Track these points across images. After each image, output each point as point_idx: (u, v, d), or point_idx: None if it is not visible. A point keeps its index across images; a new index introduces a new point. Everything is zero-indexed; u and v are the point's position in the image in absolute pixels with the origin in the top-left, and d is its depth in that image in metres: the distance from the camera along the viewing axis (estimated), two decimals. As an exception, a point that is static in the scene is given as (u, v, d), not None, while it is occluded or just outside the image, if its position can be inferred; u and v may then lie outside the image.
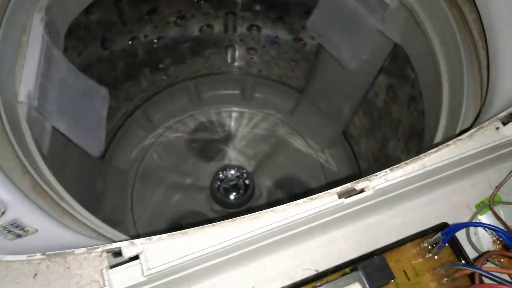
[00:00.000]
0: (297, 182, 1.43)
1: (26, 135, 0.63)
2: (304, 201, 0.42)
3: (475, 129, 0.44)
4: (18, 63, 0.68)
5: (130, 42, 1.19)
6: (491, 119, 0.45)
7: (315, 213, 0.42)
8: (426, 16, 0.79)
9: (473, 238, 0.47)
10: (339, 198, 0.42)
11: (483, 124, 0.44)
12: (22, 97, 0.63)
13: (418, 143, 0.98)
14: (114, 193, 1.29)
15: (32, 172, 0.54)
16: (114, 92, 1.25)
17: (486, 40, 0.66)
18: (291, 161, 1.45)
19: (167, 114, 1.48)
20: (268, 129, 1.52)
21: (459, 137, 0.43)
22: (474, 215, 0.48)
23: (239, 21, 1.30)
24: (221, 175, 1.36)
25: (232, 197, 1.35)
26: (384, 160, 1.22)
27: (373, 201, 0.44)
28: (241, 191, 1.35)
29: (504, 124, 0.45)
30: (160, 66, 1.36)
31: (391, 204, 0.47)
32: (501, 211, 0.48)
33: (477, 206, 0.49)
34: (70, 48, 0.98)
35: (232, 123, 1.51)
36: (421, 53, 0.83)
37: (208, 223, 0.42)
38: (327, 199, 0.42)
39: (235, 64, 1.47)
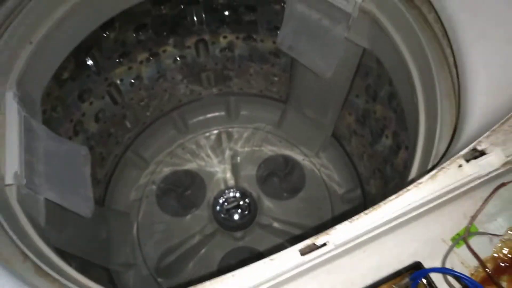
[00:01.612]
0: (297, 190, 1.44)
1: (19, 216, 0.63)
2: (264, 263, 0.43)
3: (436, 170, 0.44)
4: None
5: (107, 89, 1.19)
6: (453, 158, 0.45)
7: (278, 274, 0.42)
8: (388, 21, 0.80)
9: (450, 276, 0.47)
10: (302, 255, 0.43)
11: (445, 164, 0.44)
12: (9, 179, 0.64)
13: (405, 138, 1.00)
14: (120, 237, 1.30)
15: (32, 256, 0.55)
16: (100, 139, 1.25)
17: (449, 38, 0.67)
18: (290, 173, 1.46)
19: (158, 149, 1.49)
20: (259, 142, 1.52)
21: (420, 180, 0.44)
22: (450, 249, 0.48)
23: (210, 47, 1.31)
24: (221, 200, 1.37)
25: (236, 217, 1.37)
26: (375, 156, 1.23)
27: (337, 252, 0.44)
28: (245, 211, 1.36)
29: (468, 161, 0.45)
30: (141, 104, 1.37)
31: (361, 246, 0.46)
32: (478, 242, 0.49)
33: (453, 239, 0.48)
34: (48, 110, 0.99)
35: (223, 144, 1.52)
36: (390, 55, 0.84)
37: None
38: (289, 257, 0.42)
39: (215, 87, 1.48)
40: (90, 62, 1.09)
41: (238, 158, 1.49)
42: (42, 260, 0.56)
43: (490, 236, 0.51)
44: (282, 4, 1.09)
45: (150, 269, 1.32)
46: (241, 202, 1.37)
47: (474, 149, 0.46)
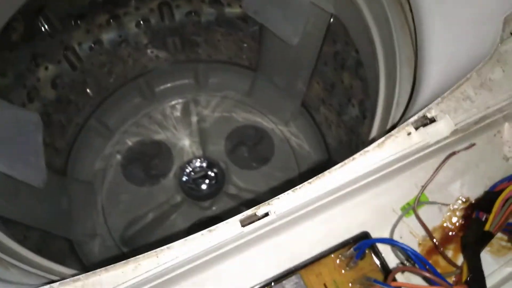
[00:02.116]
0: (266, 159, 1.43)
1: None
2: (203, 234, 0.41)
3: (383, 138, 0.42)
4: None
5: (64, 53, 1.13)
6: (402, 125, 0.43)
7: (217, 244, 0.41)
8: (353, -16, 0.77)
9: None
10: (242, 226, 0.41)
11: (393, 131, 0.42)
12: None
13: (370, 107, 0.98)
14: (83, 207, 1.27)
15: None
16: (59, 106, 1.20)
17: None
18: (259, 142, 1.44)
19: (123, 117, 1.44)
20: (228, 111, 1.49)
21: (367, 148, 0.42)
22: (399, 219, 0.47)
23: (175, 10, 1.25)
24: (187, 170, 1.35)
25: (203, 187, 1.35)
26: (342, 126, 1.22)
27: (280, 222, 0.43)
28: (212, 180, 1.34)
29: (417, 128, 0.43)
30: (103, 70, 1.30)
31: (308, 217, 0.46)
32: (427, 212, 0.48)
33: (403, 208, 0.47)
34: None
35: (191, 113, 1.48)
36: (354, 21, 0.82)
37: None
38: (229, 228, 0.41)
39: (182, 53, 1.43)
40: (43, 24, 1.02)
41: (206, 128, 1.46)
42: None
43: (440, 205, 0.51)
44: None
45: (115, 239, 1.30)
46: (209, 172, 1.35)
47: (424, 116, 0.44)
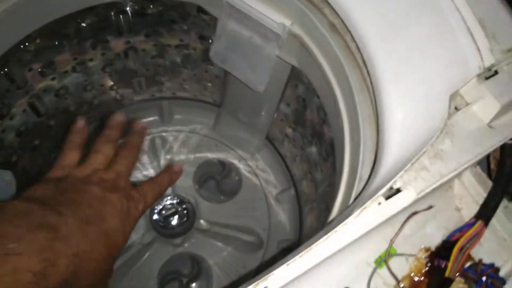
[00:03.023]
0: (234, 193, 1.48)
1: None
2: None
3: (359, 210, 0.50)
4: None
5: (29, 101, 1.12)
6: (374, 197, 0.51)
7: None
8: (314, 45, 0.85)
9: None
10: None
11: (367, 203, 0.50)
12: None
13: (331, 150, 1.07)
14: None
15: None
16: (23, 153, 1.18)
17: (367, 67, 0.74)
18: (227, 176, 1.49)
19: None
20: (194, 146, 1.53)
21: (346, 221, 0.49)
22: (374, 271, 0.55)
23: (141, 53, 1.28)
24: (158, 208, 1.37)
25: (174, 224, 1.37)
26: (306, 160, 1.31)
27: None
28: (183, 217, 1.37)
29: (386, 199, 0.51)
30: (69, 113, 1.30)
31: (296, 282, 0.50)
32: (397, 262, 0.56)
33: (376, 261, 0.55)
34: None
35: (157, 149, 1.51)
36: (316, 76, 0.90)
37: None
38: None
39: (147, 92, 1.45)
40: (8, 76, 1.01)
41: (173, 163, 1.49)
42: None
43: (406, 256, 0.59)
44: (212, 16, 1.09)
45: (86, 283, 1.28)
46: (179, 209, 1.38)
47: (391, 188, 0.52)
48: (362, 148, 0.71)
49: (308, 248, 0.48)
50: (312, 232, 1.30)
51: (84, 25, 1.08)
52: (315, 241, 0.49)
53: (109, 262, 0.66)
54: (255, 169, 1.52)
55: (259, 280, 0.46)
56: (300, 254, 0.47)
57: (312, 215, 1.31)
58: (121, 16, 1.13)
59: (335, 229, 0.49)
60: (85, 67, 1.21)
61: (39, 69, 1.09)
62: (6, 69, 0.99)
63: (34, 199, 0.59)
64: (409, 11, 0.66)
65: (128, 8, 1.11)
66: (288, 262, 0.47)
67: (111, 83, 1.33)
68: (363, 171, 0.68)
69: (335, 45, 0.81)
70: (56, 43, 1.07)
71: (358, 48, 0.75)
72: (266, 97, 1.21)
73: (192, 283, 1.33)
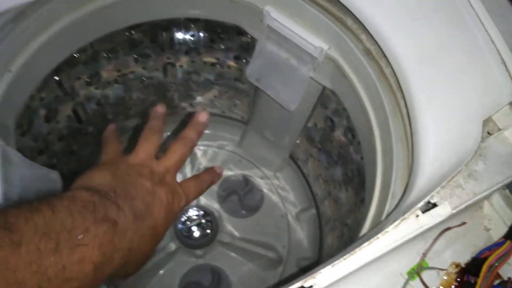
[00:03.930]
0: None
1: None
2: None
3: (399, 221, 0.53)
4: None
5: (73, 109, 1.19)
6: (412, 210, 0.54)
7: None
8: (350, 69, 0.91)
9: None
10: None
11: (406, 215, 0.54)
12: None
13: (357, 170, 1.11)
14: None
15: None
16: (62, 157, 1.24)
17: (403, 92, 0.78)
18: (249, 192, 1.53)
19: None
20: (220, 161, 1.58)
21: (386, 230, 0.53)
22: (406, 282, 0.57)
23: (178, 69, 1.35)
24: (183, 218, 1.41)
25: (198, 236, 1.41)
26: (329, 181, 1.34)
27: None
28: (206, 229, 1.40)
29: (423, 212, 0.55)
30: (106, 122, 1.37)
31: (337, 285, 0.53)
32: (428, 275, 0.59)
33: (408, 273, 0.57)
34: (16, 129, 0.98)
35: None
36: (350, 98, 0.95)
37: None
38: None
39: (179, 106, 1.52)
40: (58, 83, 1.08)
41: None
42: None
43: (438, 270, 0.61)
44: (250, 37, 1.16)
45: (117, 286, 1.32)
46: (203, 221, 1.42)
47: (428, 202, 0.56)
48: (394, 168, 0.75)
49: (353, 252, 0.51)
50: (333, 251, 1.32)
51: (131, 39, 1.16)
52: (357, 246, 0.52)
53: (151, 252, 0.71)
54: (277, 187, 1.56)
55: (307, 278, 0.49)
56: (344, 257, 0.51)
57: (333, 234, 1.33)
58: (164, 33, 1.21)
59: (377, 236, 0.52)
60: (125, 79, 1.29)
61: (86, 79, 1.16)
62: (58, 77, 1.06)
63: (95, 190, 0.62)
64: (446, 40, 0.71)
65: (172, 26, 1.19)
66: (333, 263, 0.51)
67: (147, 95, 1.40)
68: (396, 188, 0.72)
69: (371, 69, 0.86)
70: (104, 55, 1.15)
71: (394, 73, 0.80)
72: (294, 116, 1.26)
73: (212, 294, 1.35)
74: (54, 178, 0.94)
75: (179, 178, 1.49)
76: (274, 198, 1.53)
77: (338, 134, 1.20)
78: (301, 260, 1.43)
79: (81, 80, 1.15)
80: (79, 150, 1.33)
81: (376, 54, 0.86)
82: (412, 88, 0.73)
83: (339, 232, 1.29)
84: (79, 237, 0.52)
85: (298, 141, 1.44)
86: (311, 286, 0.50)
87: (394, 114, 0.82)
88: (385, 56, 0.83)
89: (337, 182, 1.29)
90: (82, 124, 1.26)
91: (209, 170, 0.95)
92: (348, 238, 1.19)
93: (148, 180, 0.72)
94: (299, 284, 0.49)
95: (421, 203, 0.55)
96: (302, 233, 1.48)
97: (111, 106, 1.33)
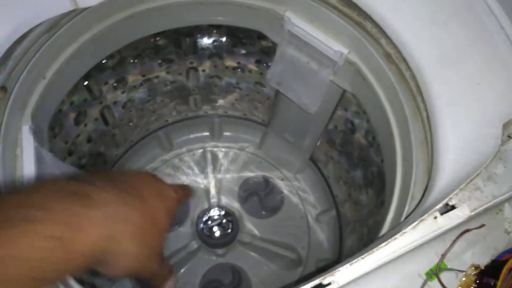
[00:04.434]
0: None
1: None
2: None
3: (417, 222, 0.55)
4: (16, 178, 0.73)
5: (101, 112, 1.24)
6: (430, 212, 0.56)
7: None
8: (370, 72, 0.92)
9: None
10: None
11: (424, 216, 0.55)
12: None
13: (377, 173, 1.12)
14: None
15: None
16: (90, 158, 1.30)
17: (423, 96, 0.79)
18: (269, 193, 1.55)
19: (142, 165, 1.54)
20: (241, 162, 1.61)
21: (404, 230, 0.54)
22: (425, 283, 0.58)
23: (201, 74, 1.38)
24: (205, 218, 1.45)
25: (219, 235, 1.44)
26: (350, 183, 1.35)
27: None
28: (227, 229, 1.43)
29: (441, 214, 0.56)
30: (130, 124, 1.42)
31: (354, 284, 0.55)
32: (447, 277, 0.60)
33: (427, 274, 0.58)
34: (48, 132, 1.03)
35: (207, 162, 1.59)
36: (369, 101, 0.96)
37: None
38: None
39: (201, 109, 1.55)
40: (88, 88, 1.13)
41: (221, 177, 1.57)
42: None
43: (456, 271, 0.62)
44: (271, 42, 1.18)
45: (133, 284, 1.36)
46: (224, 220, 1.45)
47: (447, 204, 0.57)
48: (414, 170, 0.75)
49: (370, 251, 0.53)
50: (353, 252, 1.33)
51: (156, 45, 1.20)
52: (375, 246, 0.54)
53: (143, 259, 0.57)
54: (297, 188, 1.58)
55: (327, 275, 0.51)
56: (363, 256, 0.53)
57: (354, 237, 1.34)
58: (187, 39, 1.24)
59: (395, 236, 0.54)
60: (150, 84, 1.33)
61: (113, 83, 1.21)
62: (87, 82, 1.11)
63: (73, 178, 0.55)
64: (465, 44, 0.72)
65: (195, 32, 1.22)
66: (352, 262, 0.52)
67: (171, 99, 1.44)
68: (415, 190, 0.73)
69: (390, 73, 0.87)
70: (131, 61, 1.19)
71: (413, 77, 0.81)
72: (315, 118, 1.28)
73: (232, 293, 1.38)
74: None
75: (199, 178, 1.55)
76: (294, 199, 1.55)
77: (359, 136, 1.21)
78: (320, 261, 1.44)
79: (109, 84, 1.20)
80: (106, 151, 1.38)
81: (396, 58, 0.87)
82: (432, 92, 0.74)
83: (359, 234, 1.29)
84: (33, 214, 0.46)
85: (318, 143, 1.45)
86: (330, 284, 0.51)
87: (414, 118, 0.82)
88: (404, 60, 0.85)
89: (357, 184, 1.30)
90: (108, 126, 1.31)
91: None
92: (368, 240, 1.20)
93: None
94: (317, 281, 0.51)
95: (440, 205, 0.56)
96: (322, 235, 1.49)
97: (136, 110, 1.38)
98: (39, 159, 0.81)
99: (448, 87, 0.73)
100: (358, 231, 1.30)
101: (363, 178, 1.25)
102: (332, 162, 1.43)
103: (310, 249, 1.45)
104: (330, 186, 1.51)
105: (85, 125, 1.21)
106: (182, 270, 1.40)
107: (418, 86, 0.80)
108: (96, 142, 1.29)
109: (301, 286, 0.52)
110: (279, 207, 1.53)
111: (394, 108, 0.87)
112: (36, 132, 0.83)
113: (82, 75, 0.96)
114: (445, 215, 0.56)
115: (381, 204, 1.12)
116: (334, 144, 1.37)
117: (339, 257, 1.40)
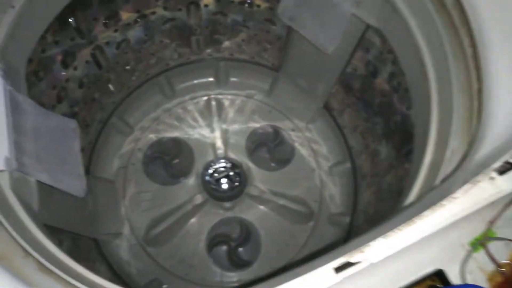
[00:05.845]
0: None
1: (14, 205, 0.59)
2: (298, 282, 0.41)
3: (469, 184, 0.43)
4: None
5: (92, 53, 1.11)
6: (485, 171, 0.43)
7: None
8: (402, 2, 0.76)
9: (468, 278, 0.48)
10: (336, 273, 0.41)
11: (478, 177, 0.43)
12: (0, 165, 0.59)
13: (400, 122, 0.99)
14: (106, 206, 1.27)
15: (34, 253, 0.52)
16: (84, 105, 1.19)
17: (468, 27, 0.65)
18: (279, 144, 1.45)
19: (143, 114, 1.43)
20: (249, 111, 1.49)
21: (454, 195, 0.42)
22: (469, 254, 0.48)
23: (203, 9, 1.23)
24: (210, 170, 1.35)
25: (226, 188, 1.36)
26: (369, 132, 1.23)
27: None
28: (235, 182, 1.35)
29: (501, 173, 0.44)
30: (127, 68, 1.29)
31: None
32: (495, 247, 0.49)
33: (471, 244, 0.48)
34: (29, 77, 0.92)
35: (212, 111, 1.48)
36: (400, 36, 0.82)
37: None
38: (324, 276, 0.41)
39: (204, 51, 1.41)
40: (74, 25, 1.00)
41: (227, 127, 1.46)
42: (45, 256, 0.53)
43: (508, 241, 0.52)
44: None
45: (138, 238, 1.31)
46: (231, 173, 1.36)
47: (507, 162, 0.45)
48: (455, 117, 0.63)
49: (410, 221, 0.42)
50: (370, 207, 1.24)
51: (150, -26, 1.05)
52: (414, 214, 0.43)
53: None
54: (309, 139, 1.46)
55: (354, 251, 0.41)
56: (400, 227, 0.42)
57: (370, 191, 1.24)
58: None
59: (442, 202, 0.43)
60: (146, 21, 1.18)
61: (104, 20, 1.07)
62: (73, 18, 0.98)
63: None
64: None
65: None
66: (386, 235, 0.42)
67: (171, 39, 1.30)
68: (456, 143, 0.61)
69: (431, 3, 0.71)
70: (121, -8, 1.05)
71: (457, 3, 0.66)
72: (331, 60, 1.13)
73: (240, 247, 1.32)
74: (72, 127, 0.88)
75: (206, 130, 1.44)
76: (306, 151, 1.44)
77: (381, 81, 1.08)
78: (333, 215, 1.36)
79: (99, 22, 1.06)
80: (101, 98, 1.27)
81: (436, -19, 0.71)
82: (483, 22, 0.60)
83: (376, 188, 1.19)
84: None
85: (334, 90, 1.31)
86: (359, 262, 0.41)
87: (455, 55, 0.68)
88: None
89: (376, 135, 1.18)
90: (102, 70, 1.19)
91: None
92: (389, 196, 1.10)
93: None
94: (344, 259, 0.41)
95: (498, 163, 0.44)
96: (334, 188, 1.40)
97: (132, 51, 1.25)
98: (14, 106, 0.70)
99: (503, 15, 0.59)
100: (376, 185, 1.20)
101: (384, 128, 1.13)
102: (349, 111, 1.30)
103: (322, 203, 1.37)
104: (345, 136, 1.39)
105: (75, 68, 1.08)
106: (188, 224, 1.34)
107: (463, 14, 0.65)
108: (89, 87, 1.17)
109: (321, 264, 0.42)
110: (289, 159, 1.43)
111: (431, 44, 0.73)
112: (9, 74, 0.71)
113: (62, 7, 0.82)
114: (505, 175, 0.44)
115: (405, 157, 1.01)
116: (351, 90, 1.23)
117: (354, 212, 1.32)
